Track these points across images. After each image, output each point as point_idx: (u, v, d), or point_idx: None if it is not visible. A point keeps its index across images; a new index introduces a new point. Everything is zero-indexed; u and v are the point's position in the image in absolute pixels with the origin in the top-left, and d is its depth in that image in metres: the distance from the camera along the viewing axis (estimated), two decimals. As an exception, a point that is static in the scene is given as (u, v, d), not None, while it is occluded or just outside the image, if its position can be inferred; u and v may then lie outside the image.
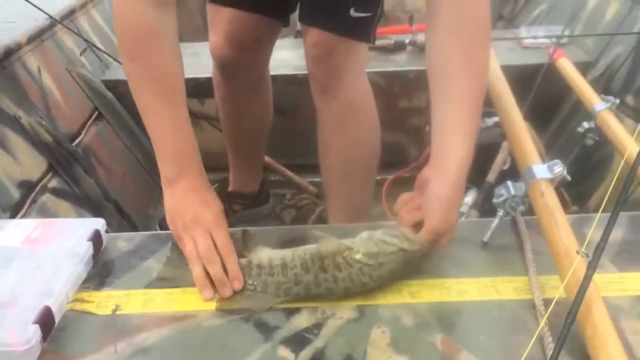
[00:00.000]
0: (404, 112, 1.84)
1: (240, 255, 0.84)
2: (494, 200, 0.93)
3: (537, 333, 0.68)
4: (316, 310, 0.77)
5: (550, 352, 0.64)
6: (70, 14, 1.80)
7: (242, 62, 1.34)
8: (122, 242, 0.93)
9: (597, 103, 1.36)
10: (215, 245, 0.83)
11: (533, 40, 1.94)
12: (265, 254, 0.83)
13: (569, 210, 1.51)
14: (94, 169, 1.53)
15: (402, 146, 1.89)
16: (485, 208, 1.44)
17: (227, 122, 1.49)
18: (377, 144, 1.30)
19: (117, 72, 1.85)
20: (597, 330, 0.65)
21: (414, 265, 0.82)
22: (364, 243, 0.80)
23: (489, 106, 1.28)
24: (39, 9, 1.54)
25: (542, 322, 0.70)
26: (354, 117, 1.23)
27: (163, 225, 1.00)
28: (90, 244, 0.87)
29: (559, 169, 0.88)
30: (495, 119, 1.47)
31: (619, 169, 0.79)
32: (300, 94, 1.28)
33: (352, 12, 1.14)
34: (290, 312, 0.77)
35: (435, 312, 0.77)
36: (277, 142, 1.64)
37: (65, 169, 1.41)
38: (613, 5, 1.87)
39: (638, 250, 0.87)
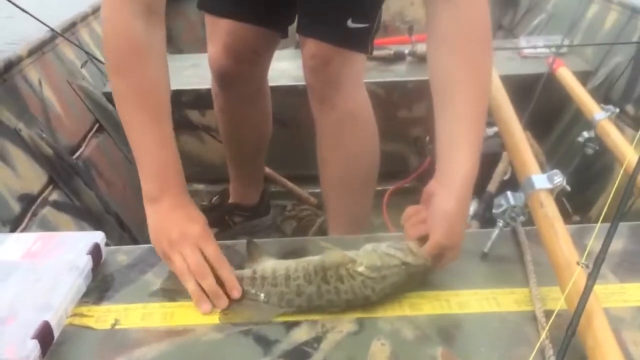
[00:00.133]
0: (404, 122, 1.84)
1: (237, 267, 0.84)
2: (494, 210, 0.92)
3: (538, 345, 0.67)
4: (316, 324, 0.77)
5: (552, 364, 0.64)
6: (72, 26, 1.81)
7: (241, 73, 1.34)
8: (122, 255, 0.93)
9: (597, 112, 1.36)
10: (205, 258, 0.82)
11: (532, 50, 1.94)
12: (269, 265, 0.83)
13: (571, 220, 1.50)
14: (95, 181, 1.53)
15: (402, 156, 1.89)
16: (486, 218, 1.43)
17: (227, 133, 1.49)
18: (376, 155, 1.30)
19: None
20: (598, 341, 0.65)
21: (419, 279, 0.82)
22: (368, 256, 0.80)
23: (488, 116, 1.28)
24: (41, 21, 1.55)
25: (543, 334, 0.70)
26: (352, 128, 1.23)
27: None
28: (89, 257, 0.87)
29: (559, 179, 0.88)
30: (496, 128, 1.47)
31: (619, 178, 0.79)
32: (300, 104, 1.28)
33: (350, 23, 1.14)
34: (290, 326, 0.77)
35: (436, 325, 0.76)
36: (278, 153, 1.64)
37: (65, 182, 1.41)
38: (612, 15, 1.87)
39: (639, 261, 0.87)
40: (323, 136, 1.26)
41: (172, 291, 0.83)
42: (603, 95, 1.69)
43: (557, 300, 0.72)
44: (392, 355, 0.72)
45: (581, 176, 1.55)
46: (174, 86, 1.86)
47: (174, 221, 0.85)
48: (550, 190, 0.89)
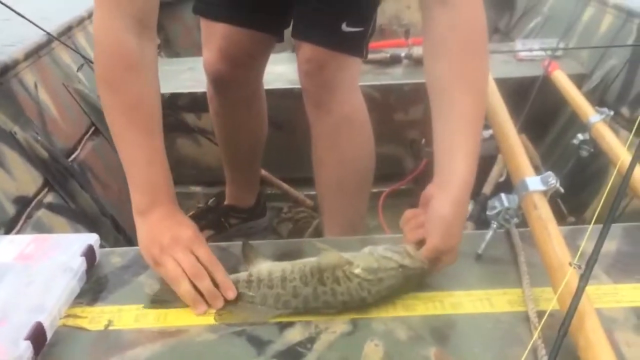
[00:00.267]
0: (400, 125, 1.85)
1: (232, 268, 0.84)
2: (488, 212, 0.93)
3: (530, 345, 0.68)
4: (309, 325, 0.77)
5: (544, 364, 0.64)
6: (67, 30, 1.82)
7: (236, 77, 1.34)
8: (116, 257, 0.92)
9: (592, 115, 1.37)
10: (199, 261, 0.82)
11: (528, 53, 1.95)
12: (265, 267, 0.83)
13: (566, 222, 1.51)
14: (90, 184, 1.53)
15: (398, 159, 1.89)
16: (481, 220, 1.44)
17: (222, 137, 1.49)
18: (372, 158, 1.30)
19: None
20: (590, 342, 0.65)
21: (415, 282, 0.82)
22: (365, 258, 0.80)
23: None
24: (37, 25, 1.55)
25: (536, 335, 0.70)
26: (347, 132, 1.23)
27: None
28: (83, 259, 0.87)
29: (552, 181, 0.88)
30: (491, 131, 1.48)
31: (611, 179, 0.79)
32: (296, 107, 1.28)
33: (344, 27, 1.14)
34: (284, 327, 0.77)
35: (429, 325, 0.76)
36: (274, 156, 1.64)
37: (61, 185, 1.41)
38: (607, 18, 1.88)
39: (632, 262, 0.87)
40: (319, 140, 1.27)
41: (165, 302, 0.83)
42: (598, 98, 1.70)
43: (550, 301, 0.72)
44: (386, 356, 0.72)
45: (576, 178, 1.56)
46: (171, 89, 1.89)
47: (164, 229, 0.84)
48: (544, 192, 0.89)
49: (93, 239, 0.91)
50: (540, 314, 0.74)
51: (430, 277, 0.84)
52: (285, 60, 1.85)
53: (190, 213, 1.62)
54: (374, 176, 1.34)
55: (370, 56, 1.92)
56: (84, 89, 1.74)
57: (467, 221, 1.46)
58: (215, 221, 1.58)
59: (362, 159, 1.29)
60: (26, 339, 0.71)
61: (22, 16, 1.47)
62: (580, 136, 1.40)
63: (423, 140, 1.78)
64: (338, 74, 1.19)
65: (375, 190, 1.66)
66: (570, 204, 1.56)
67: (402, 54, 1.97)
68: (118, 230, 1.50)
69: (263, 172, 1.70)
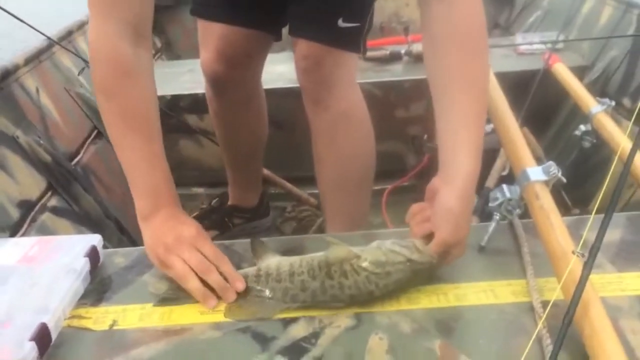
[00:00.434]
0: (401, 121, 1.85)
1: (235, 266, 0.84)
2: (490, 204, 0.93)
3: (535, 335, 0.67)
4: (313, 320, 0.77)
5: (549, 353, 0.64)
6: (68, 34, 1.82)
7: (233, 77, 1.34)
8: (119, 257, 0.93)
9: (593, 106, 1.36)
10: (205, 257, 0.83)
11: (529, 47, 1.94)
12: (273, 261, 0.83)
13: (570, 213, 1.50)
14: (94, 187, 1.53)
15: (400, 155, 1.89)
16: (485, 213, 1.43)
17: (223, 137, 1.49)
18: (372, 154, 1.29)
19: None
20: (594, 330, 0.65)
21: (423, 277, 0.81)
22: (373, 251, 0.80)
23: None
24: (37, 30, 1.55)
25: (540, 324, 0.70)
26: (346, 128, 1.23)
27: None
28: (86, 260, 0.87)
29: (554, 170, 0.88)
30: (492, 125, 1.48)
31: (612, 167, 0.79)
32: (297, 107, 1.28)
33: (340, 23, 1.14)
34: (288, 322, 0.77)
35: (433, 318, 0.76)
36: (276, 155, 1.64)
37: (64, 188, 1.41)
38: (607, 10, 1.87)
39: (636, 250, 0.87)
40: (318, 136, 1.26)
41: (174, 299, 0.83)
42: (600, 90, 1.69)
43: (554, 291, 0.71)
44: (390, 349, 0.72)
45: (579, 169, 1.56)
46: (172, 91, 1.89)
47: (168, 229, 0.85)
48: (546, 182, 0.89)
49: (96, 239, 0.91)
50: (545, 304, 0.73)
51: (437, 270, 0.84)
52: (286, 59, 1.85)
53: (194, 214, 1.63)
54: (376, 173, 1.33)
55: (370, 53, 1.94)
56: (85, 92, 1.74)
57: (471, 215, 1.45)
58: (219, 221, 1.58)
59: (362, 155, 1.28)
60: (31, 340, 0.71)
61: (23, 21, 1.47)
62: (582, 127, 1.40)
63: (425, 136, 1.78)
64: (335, 70, 1.18)
65: (378, 187, 1.66)
66: (574, 196, 1.56)
67: (402, 51, 1.97)
68: (122, 232, 1.50)
69: (266, 171, 1.70)
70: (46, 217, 1.30)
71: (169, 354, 0.73)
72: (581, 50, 1.89)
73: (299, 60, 1.20)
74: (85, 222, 1.41)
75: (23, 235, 1.21)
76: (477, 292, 0.80)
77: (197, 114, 1.82)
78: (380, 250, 0.80)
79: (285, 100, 1.69)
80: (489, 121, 1.49)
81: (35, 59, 1.58)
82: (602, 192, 0.77)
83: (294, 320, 0.77)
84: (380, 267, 0.78)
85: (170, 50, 2.61)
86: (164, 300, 0.83)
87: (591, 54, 1.84)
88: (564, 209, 1.52)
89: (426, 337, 0.73)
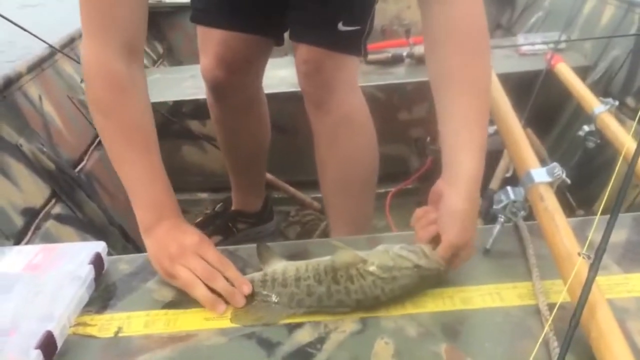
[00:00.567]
0: (404, 124, 1.84)
1: (240, 272, 0.84)
2: (494, 206, 0.92)
3: (541, 338, 0.67)
4: (319, 325, 0.77)
5: (557, 356, 0.64)
6: (70, 42, 1.83)
7: (233, 82, 1.34)
8: (124, 264, 0.93)
9: (597, 106, 1.36)
10: (209, 264, 0.83)
11: (531, 47, 1.94)
12: (280, 266, 0.83)
13: (575, 215, 1.50)
14: (97, 194, 1.54)
15: (403, 158, 1.89)
16: (490, 216, 1.43)
17: (225, 143, 1.49)
18: (374, 157, 1.29)
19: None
20: (601, 332, 0.64)
21: (430, 283, 0.81)
22: (380, 256, 0.79)
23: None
24: (39, 38, 1.56)
25: (547, 327, 0.69)
26: (348, 131, 1.23)
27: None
28: (91, 267, 0.87)
29: (558, 172, 0.88)
30: (496, 126, 1.47)
31: (617, 167, 0.78)
32: (300, 111, 1.28)
33: (341, 26, 1.14)
34: (293, 328, 0.77)
35: (439, 322, 0.76)
36: (279, 160, 1.64)
37: (68, 195, 1.42)
38: (609, 9, 1.87)
39: None
40: (320, 140, 1.26)
41: (184, 302, 0.83)
42: (602, 90, 1.69)
43: (560, 293, 0.71)
44: (396, 354, 0.71)
45: (584, 170, 1.55)
46: (174, 97, 1.89)
47: (171, 239, 0.85)
48: (550, 184, 0.89)
49: (100, 246, 0.91)
50: (551, 307, 0.73)
51: (446, 276, 0.83)
52: (288, 64, 1.85)
53: (198, 219, 1.63)
54: (379, 176, 1.33)
55: (372, 56, 1.94)
56: (88, 99, 1.75)
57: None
58: (223, 227, 1.58)
59: (365, 158, 1.28)
60: (36, 348, 0.71)
61: (26, 30, 1.48)
62: (586, 128, 1.40)
63: (428, 139, 1.77)
64: (336, 74, 1.18)
65: (381, 190, 1.66)
66: (579, 197, 1.55)
67: (404, 54, 1.96)
68: (127, 239, 1.51)
69: (269, 176, 1.70)
70: (50, 224, 1.31)
71: (174, 361, 0.73)
72: (583, 50, 1.88)
73: (299, 65, 1.20)
74: (90, 229, 1.41)
75: (27, 243, 1.21)
76: (483, 295, 0.80)
77: (199, 119, 1.82)
78: (388, 254, 0.79)
79: (288, 105, 1.69)
80: (492, 122, 1.49)
81: (37, 66, 1.58)
82: (607, 192, 0.77)
83: (299, 325, 0.77)
84: (387, 271, 0.77)
85: (172, 56, 2.62)
86: (173, 305, 0.83)
87: (593, 54, 1.83)
88: (569, 210, 1.51)
89: (432, 341, 0.73)
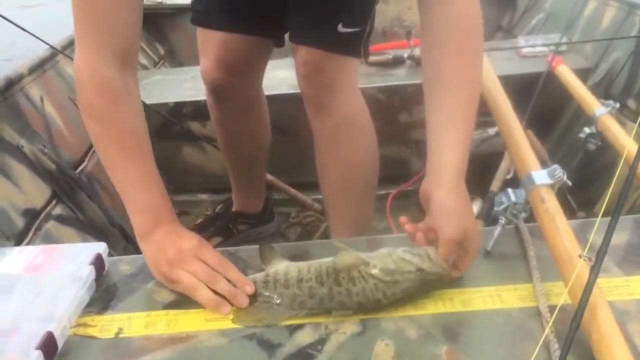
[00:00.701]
0: (405, 125, 1.84)
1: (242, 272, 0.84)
2: (495, 208, 0.92)
3: (542, 340, 0.67)
4: (319, 326, 0.77)
5: (557, 358, 0.64)
6: (72, 43, 1.82)
7: (233, 85, 1.34)
8: (124, 265, 0.93)
9: (597, 108, 1.36)
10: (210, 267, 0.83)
11: (532, 49, 1.94)
12: (282, 267, 0.83)
13: (576, 217, 1.50)
14: (98, 195, 1.54)
15: (404, 160, 1.89)
16: (491, 217, 1.43)
17: (225, 144, 1.49)
18: (375, 159, 1.29)
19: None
20: (602, 334, 0.64)
21: (432, 287, 0.81)
22: (383, 259, 0.79)
23: (488, 116, 1.28)
24: (41, 39, 1.56)
25: (548, 329, 0.69)
26: (348, 133, 1.23)
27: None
28: (92, 268, 0.87)
29: (559, 174, 0.88)
30: (497, 128, 1.48)
31: (618, 170, 0.79)
32: (300, 112, 1.28)
33: (340, 28, 1.14)
34: (294, 329, 0.77)
35: (440, 323, 0.76)
36: (279, 161, 1.64)
37: (69, 196, 1.42)
38: (610, 11, 1.87)
39: None
40: (320, 142, 1.26)
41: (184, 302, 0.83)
42: (603, 92, 1.69)
43: (561, 295, 0.71)
44: (397, 356, 0.71)
45: (585, 172, 1.55)
46: (175, 98, 1.90)
47: (168, 244, 0.85)
48: (551, 186, 0.89)
49: (101, 247, 0.91)
50: (552, 309, 0.73)
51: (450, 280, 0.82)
52: (288, 65, 1.85)
53: (198, 221, 1.63)
54: (380, 178, 1.33)
55: (373, 58, 1.94)
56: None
57: (476, 219, 1.45)
58: (224, 228, 1.58)
59: (365, 160, 1.28)
60: (37, 348, 0.71)
61: (27, 31, 1.48)
62: (586, 130, 1.40)
63: (428, 140, 1.77)
64: (336, 76, 1.18)
65: (382, 191, 1.66)
66: (580, 199, 1.55)
67: (405, 55, 1.96)
68: (127, 240, 1.51)
69: (270, 177, 1.70)
70: (51, 225, 1.31)
71: (175, 362, 0.73)
72: (584, 52, 1.88)
73: (299, 67, 1.20)
74: (90, 230, 1.41)
75: (28, 243, 1.21)
76: (484, 297, 0.80)
77: (200, 120, 1.82)
78: (391, 258, 0.79)
79: (289, 106, 1.69)
80: (493, 124, 1.50)
81: (39, 68, 1.58)
82: (608, 195, 0.77)
83: (299, 326, 0.77)
84: (389, 275, 0.77)
85: (173, 57, 2.62)
86: (173, 304, 0.83)
87: (594, 56, 1.83)
88: (570, 212, 1.51)
89: (432, 342, 0.73)
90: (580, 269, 0.69)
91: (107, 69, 0.83)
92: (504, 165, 1.53)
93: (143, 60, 2.29)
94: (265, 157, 1.54)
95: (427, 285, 0.79)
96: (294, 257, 0.87)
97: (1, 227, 1.18)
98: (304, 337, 0.75)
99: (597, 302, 0.66)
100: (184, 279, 0.82)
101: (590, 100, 1.41)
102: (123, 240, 1.50)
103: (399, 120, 1.84)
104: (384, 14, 2.57)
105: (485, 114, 1.29)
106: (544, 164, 0.98)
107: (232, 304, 0.81)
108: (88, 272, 0.86)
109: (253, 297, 0.81)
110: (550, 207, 0.84)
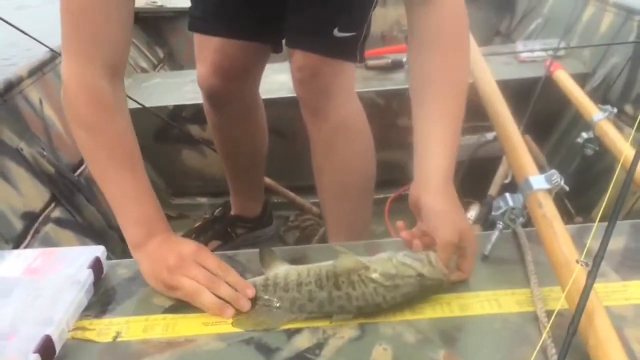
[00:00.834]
0: (403, 130, 1.84)
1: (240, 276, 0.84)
2: (493, 213, 0.93)
3: (539, 345, 0.67)
4: (317, 330, 0.77)
5: (554, 364, 0.64)
6: None
7: (230, 91, 1.34)
8: (123, 269, 0.93)
9: (595, 113, 1.36)
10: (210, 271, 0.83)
11: (530, 54, 1.94)
12: (282, 270, 0.83)
13: (573, 222, 1.50)
14: (97, 197, 1.54)
15: (402, 164, 1.88)
16: (489, 222, 1.43)
17: (222, 149, 1.49)
18: (372, 163, 1.29)
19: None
20: (599, 339, 0.64)
21: (432, 293, 0.81)
22: (383, 263, 0.79)
23: (486, 120, 1.29)
24: (40, 42, 1.57)
25: (545, 334, 0.69)
26: (345, 138, 1.23)
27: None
28: (90, 271, 0.87)
29: (556, 179, 0.88)
30: (495, 133, 1.48)
31: (616, 175, 0.79)
32: (298, 115, 1.29)
33: (336, 32, 1.14)
34: (292, 333, 0.77)
35: (437, 328, 0.76)
36: (278, 164, 1.65)
37: (68, 199, 1.42)
38: (608, 17, 1.88)
39: None
40: (316, 147, 1.26)
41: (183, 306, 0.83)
42: (601, 97, 1.69)
43: (558, 300, 0.71)
44: (394, 360, 0.71)
45: (582, 177, 1.55)
46: (174, 102, 1.90)
47: (166, 252, 0.85)
48: (549, 191, 0.89)
49: (100, 251, 0.91)
50: (549, 313, 0.73)
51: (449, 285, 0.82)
52: (287, 69, 1.84)
53: (197, 224, 1.63)
54: (379, 182, 1.33)
55: (372, 62, 1.94)
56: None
57: (473, 224, 1.46)
58: (222, 231, 1.58)
59: (362, 165, 1.28)
60: (35, 352, 0.71)
61: (26, 34, 1.48)
62: (584, 135, 1.40)
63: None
64: (332, 80, 1.18)
65: (381, 195, 1.66)
66: (577, 204, 1.55)
67: (404, 59, 1.97)
68: (125, 242, 1.50)
69: (268, 180, 1.70)
70: (49, 228, 1.31)
71: (173, 366, 0.73)
72: (582, 58, 1.89)
73: (295, 71, 1.19)
74: (89, 233, 1.41)
75: (26, 246, 1.21)
76: (481, 302, 0.80)
77: (199, 124, 1.83)
78: (391, 262, 0.79)
79: (287, 110, 1.69)
80: (491, 129, 1.50)
81: (38, 70, 1.59)
82: (606, 200, 0.77)
83: (297, 331, 0.77)
84: (389, 279, 0.77)
85: (172, 60, 2.63)
86: (172, 309, 0.83)
87: (592, 61, 1.84)
88: (567, 217, 1.51)
89: (430, 347, 0.73)
90: (578, 274, 0.69)
91: (98, 78, 0.83)
92: (501, 170, 1.53)
93: (142, 64, 2.29)
94: (263, 161, 1.55)
95: (427, 290, 0.80)
96: (293, 261, 0.87)
97: (0, 229, 1.18)
98: (302, 342, 0.75)
99: (594, 307, 0.67)
100: (185, 284, 0.82)
101: (588, 106, 1.42)
102: (122, 243, 1.48)
103: (397, 125, 1.84)
104: (383, 18, 2.57)
105: (483, 119, 1.30)
106: (541, 169, 0.99)
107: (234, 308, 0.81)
108: (86, 276, 0.86)
109: (253, 301, 0.81)
110: (548, 212, 0.84)
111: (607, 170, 1.52)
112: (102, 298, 0.87)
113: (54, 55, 1.66)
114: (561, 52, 1.88)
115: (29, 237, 1.24)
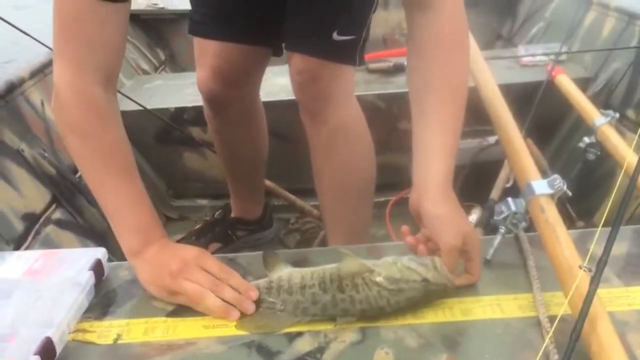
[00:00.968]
0: (405, 133, 1.83)
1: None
2: (495, 217, 0.92)
3: (542, 350, 0.67)
4: (319, 334, 0.77)
5: (557, 369, 0.63)
6: None
7: (230, 95, 1.34)
8: (124, 271, 0.92)
9: (597, 118, 1.36)
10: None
11: (532, 59, 1.94)
12: (285, 273, 0.83)
13: (575, 226, 1.50)
14: (98, 199, 1.54)
15: (404, 167, 1.88)
16: (490, 226, 1.43)
17: (223, 152, 1.49)
18: (371, 166, 1.29)
19: (120, 104, 1.87)
20: (602, 345, 0.64)
21: (436, 298, 0.80)
22: (388, 267, 0.79)
23: (488, 124, 1.28)
24: (42, 43, 1.56)
25: (547, 339, 0.69)
26: (344, 141, 1.22)
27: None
28: (91, 273, 0.87)
29: (559, 184, 0.88)
30: (497, 137, 1.48)
31: (619, 180, 0.79)
32: (299, 118, 1.29)
33: (335, 36, 1.13)
34: (293, 337, 0.77)
35: (439, 333, 0.76)
36: (279, 167, 1.64)
37: (68, 200, 1.42)
38: (610, 21, 1.88)
39: None
40: (316, 150, 1.26)
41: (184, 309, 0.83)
42: (603, 101, 1.69)
43: (561, 306, 0.71)
44: (396, 364, 0.71)
45: (584, 182, 1.55)
46: (176, 104, 1.89)
47: (167, 258, 0.84)
48: (551, 196, 0.89)
49: (101, 253, 0.91)
50: (552, 319, 0.73)
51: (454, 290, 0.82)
52: (288, 72, 1.86)
53: (197, 226, 1.62)
54: (380, 185, 1.33)
55: (374, 65, 1.94)
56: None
57: (475, 227, 1.45)
58: (222, 234, 1.58)
59: (361, 168, 1.28)
60: (36, 354, 0.71)
61: (28, 35, 1.48)
62: (586, 139, 1.40)
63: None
64: (331, 84, 1.18)
65: (382, 199, 1.66)
66: (579, 209, 1.55)
67: (405, 63, 1.96)
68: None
69: (269, 183, 1.70)
70: (50, 229, 1.31)
71: (173, 369, 0.73)
72: (584, 62, 1.89)
73: (294, 75, 1.19)
74: (90, 234, 1.41)
75: (27, 248, 1.21)
76: (483, 307, 0.80)
77: (200, 126, 1.82)
78: (396, 266, 0.79)
79: (288, 113, 1.68)
80: (493, 133, 1.50)
81: (40, 72, 1.58)
82: (609, 205, 0.77)
83: (299, 334, 0.77)
84: (393, 283, 0.77)
85: (174, 62, 2.63)
86: (174, 313, 0.83)
87: (594, 66, 1.84)
88: (569, 222, 1.51)
89: (432, 352, 0.73)
90: (581, 279, 0.69)
91: (91, 85, 0.83)
92: (503, 174, 1.53)
93: (144, 65, 2.29)
94: (264, 164, 1.54)
95: (431, 295, 0.79)
96: (294, 265, 0.87)
97: (0, 231, 1.18)
98: (303, 345, 0.75)
99: (597, 313, 0.66)
100: (189, 288, 0.81)
101: (590, 110, 1.42)
102: (122, 245, 1.49)
103: (399, 128, 1.84)
104: (384, 21, 2.57)
105: (485, 123, 1.30)
106: (543, 173, 0.99)
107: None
108: (87, 278, 0.86)
109: (256, 304, 0.81)
110: (550, 217, 0.84)
111: (609, 175, 1.52)
112: (103, 300, 0.86)
113: (56, 56, 1.66)
114: (563, 57, 1.88)
115: (29, 239, 1.24)
